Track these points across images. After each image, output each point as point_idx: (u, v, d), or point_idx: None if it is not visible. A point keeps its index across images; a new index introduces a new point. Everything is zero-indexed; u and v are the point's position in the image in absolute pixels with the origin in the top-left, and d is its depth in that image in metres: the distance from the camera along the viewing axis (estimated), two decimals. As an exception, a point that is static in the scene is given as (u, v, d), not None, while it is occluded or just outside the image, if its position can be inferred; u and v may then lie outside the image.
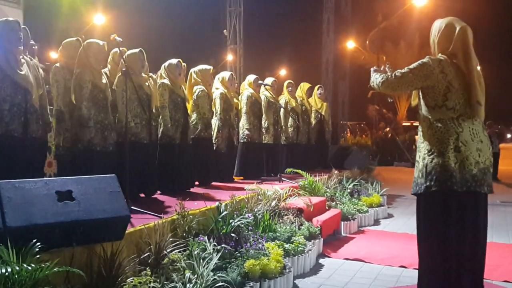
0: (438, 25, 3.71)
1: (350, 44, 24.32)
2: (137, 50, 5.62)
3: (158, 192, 5.97)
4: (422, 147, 3.64)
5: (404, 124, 25.02)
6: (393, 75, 3.62)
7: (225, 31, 20.56)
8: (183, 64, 6.39)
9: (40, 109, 4.81)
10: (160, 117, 5.98)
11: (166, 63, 6.26)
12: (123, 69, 4.90)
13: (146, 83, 5.69)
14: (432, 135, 3.57)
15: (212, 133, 7.25)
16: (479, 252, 3.55)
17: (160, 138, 6.01)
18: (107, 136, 5.09)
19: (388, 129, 23.46)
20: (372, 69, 3.91)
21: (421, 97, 3.69)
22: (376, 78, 3.74)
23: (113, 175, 3.58)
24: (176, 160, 6.12)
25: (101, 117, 5.08)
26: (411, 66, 3.59)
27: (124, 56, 5.31)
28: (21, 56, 4.61)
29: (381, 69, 3.79)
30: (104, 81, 5.18)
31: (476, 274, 3.55)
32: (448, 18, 3.69)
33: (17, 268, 2.62)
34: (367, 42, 24.66)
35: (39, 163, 4.94)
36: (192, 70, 7.04)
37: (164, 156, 6.04)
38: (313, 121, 10.22)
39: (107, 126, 5.12)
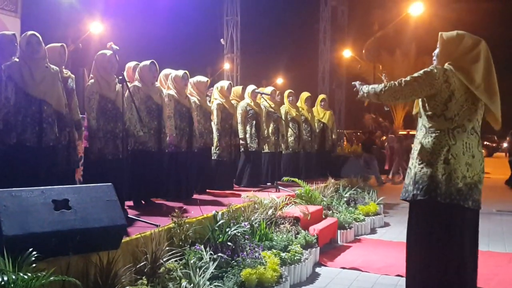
0: (448, 36, 3.64)
1: (347, 53, 24.44)
2: (148, 62, 5.71)
3: (161, 199, 6.06)
4: (415, 155, 3.66)
5: (400, 133, 25.10)
6: (397, 83, 3.58)
7: (222, 40, 20.65)
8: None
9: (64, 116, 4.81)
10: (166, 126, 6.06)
11: (173, 74, 6.35)
12: (120, 77, 4.92)
13: (157, 94, 5.79)
14: (425, 144, 3.58)
15: (209, 142, 7.28)
16: (466, 266, 3.52)
17: (166, 147, 6.08)
18: (118, 145, 5.13)
19: (384, 137, 23.50)
20: (357, 83, 3.90)
21: (421, 105, 3.69)
22: (373, 88, 3.72)
23: (110, 184, 3.58)
24: (180, 167, 6.23)
25: (110, 127, 5.13)
26: (416, 75, 3.54)
27: (137, 71, 5.39)
28: (42, 66, 4.63)
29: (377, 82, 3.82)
30: (115, 90, 5.22)
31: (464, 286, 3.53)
32: (460, 31, 3.63)
33: (13, 277, 2.61)
34: (363, 51, 24.77)
35: (54, 172, 4.78)
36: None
37: (169, 164, 6.13)
38: (317, 130, 10.25)
39: (118, 135, 5.15)
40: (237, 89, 8.71)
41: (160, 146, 5.74)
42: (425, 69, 3.56)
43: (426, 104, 3.61)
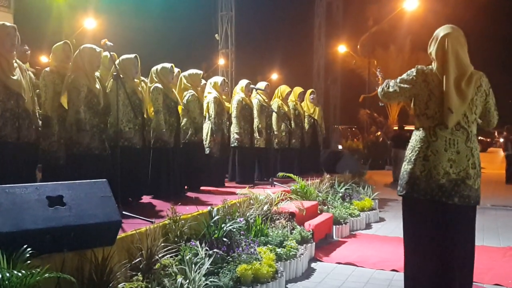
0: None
1: (341, 49, 24.44)
2: (132, 55, 5.61)
3: (151, 196, 5.95)
4: None
5: (395, 128, 25.13)
6: (387, 86, 3.78)
7: (216, 35, 20.61)
8: (175, 69, 6.39)
9: (31, 114, 4.80)
10: (153, 121, 5.97)
11: (159, 67, 6.23)
12: (114, 74, 4.89)
13: (139, 88, 5.68)
14: (410, 142, 3.70)
15: (203, 138, 7.23)
16: (454, 262, 3.52)
17: (153, 143, 6.00)
18: (104, 140, 5.09)
19: (379, 133, 23.55)
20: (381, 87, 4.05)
21: (411, 106, 3.80)
22: (380, 89, 3.92)
23: (104, 180, 3.56)
24: (170, 164, 6.12)
25: (96, 121, 5.07)
26: (401, 77, 3.71)
27: (116, 62, 5.29)
28: (14, 60, 4.60)
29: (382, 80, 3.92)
30: (97, 86, 5.16)
31: (450, 284, 3.53)
32: (441, 27, 3.68)
33: (8, 274, 2.60)
34: (358, 46, 24.77)
35: (31, 168, 4.90)
36: (182, 74, 7.01)
37: (158, 160, 6.03)
38: (306, 125, 10.22)
39: (103, 130, 5.11)
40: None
41: (144, 143, 5.66)
42: (409, 70, 3.68)
43: (414, 104, 3.70)
